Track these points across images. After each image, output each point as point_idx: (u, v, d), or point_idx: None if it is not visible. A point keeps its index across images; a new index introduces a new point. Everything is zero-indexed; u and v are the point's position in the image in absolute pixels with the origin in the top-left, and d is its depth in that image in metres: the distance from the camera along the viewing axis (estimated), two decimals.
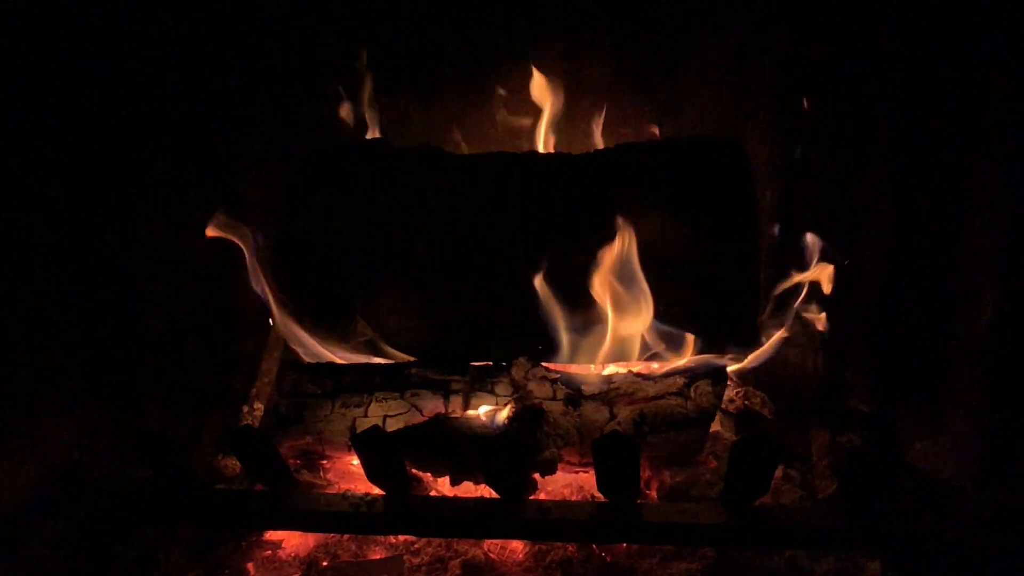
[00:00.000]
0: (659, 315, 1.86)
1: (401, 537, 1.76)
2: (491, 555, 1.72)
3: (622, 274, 1.84)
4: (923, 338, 2.00)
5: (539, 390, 1.88)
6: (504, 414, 1.82)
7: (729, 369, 1.95)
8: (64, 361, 1.96)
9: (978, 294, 1.82)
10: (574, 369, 2.03)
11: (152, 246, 2.13)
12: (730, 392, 2.01)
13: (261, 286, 2.05)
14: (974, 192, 1.86)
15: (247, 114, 2.40)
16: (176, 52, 2.18)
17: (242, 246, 2.06)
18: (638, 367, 2.03)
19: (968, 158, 1.87)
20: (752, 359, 1.97)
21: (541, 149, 2.32)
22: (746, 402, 2.03)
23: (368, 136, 2.36)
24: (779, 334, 2.00)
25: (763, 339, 2.00)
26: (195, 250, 2.23)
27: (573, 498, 1.85)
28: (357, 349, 2.05)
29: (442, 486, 1.83)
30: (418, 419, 1.86)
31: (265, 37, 2.38)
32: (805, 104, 2.21)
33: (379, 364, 2.04)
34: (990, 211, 1.82)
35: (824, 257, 2.03)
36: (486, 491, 1.74)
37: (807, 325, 2.13)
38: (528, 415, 1.79)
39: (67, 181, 1.98)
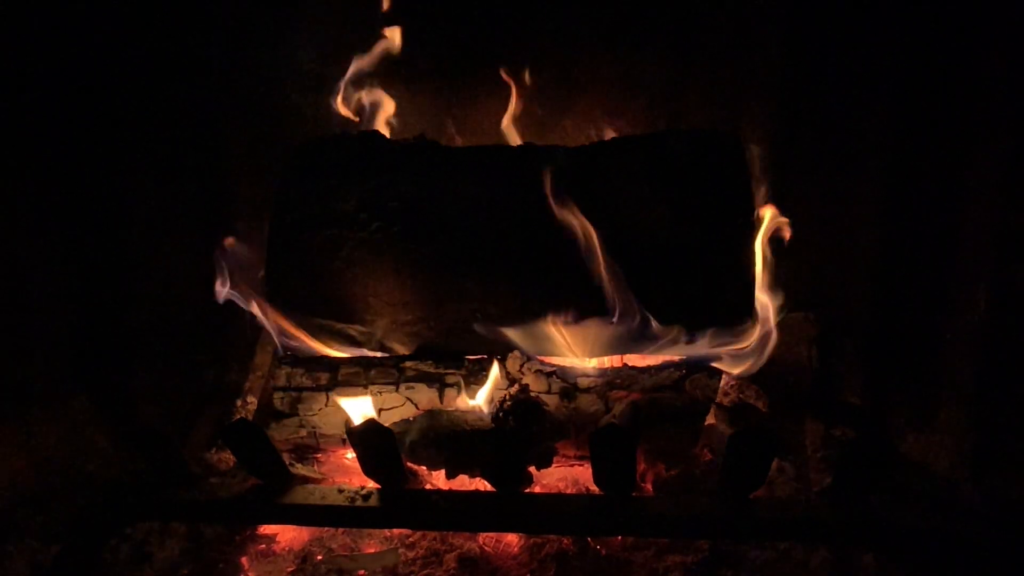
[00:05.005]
0: (657, 306, 1.86)
1: (396, 531, 1.76)
2: (486, 548, 1.72)
3: (619, 267, 1.83)
4: (916, 331, 2.01)
5: (534, 383, 1.88)
6: (500, 407, 1.82)
7: (726, 369, 1.95)
8: (56, 355, 1.94)
9: (971, 287, 1.83)
10: (568, 362, 2.02)
11: (143, 240, 2.11)
12: (724, 385, 2.01)
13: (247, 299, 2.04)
14: (967, 185, 1.87)
15: (235, 108, 2.38)
16: (165, 48, 2.16)
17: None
18: (633, 360, 2.03)
19: (962, 151, 1.88)
20: (752, 365, 1.96)
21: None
22: (740, 395, 2.03)
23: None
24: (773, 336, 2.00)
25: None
26: (187, 244, 2.22)
27: (568, 491, 1.85)
28: (350, 343, 2.04)
29: (437, 479, 1.82)
30: (414, 412, 1.86)
31: (253, 29, 2.36)
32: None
33: (374, 357, 2.03)
34: (983, 204, 1.82)
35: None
36: (481, 484, 1.74)
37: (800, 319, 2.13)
38: (523, 408, 1.79)
39: (57, 177, 1.96)
